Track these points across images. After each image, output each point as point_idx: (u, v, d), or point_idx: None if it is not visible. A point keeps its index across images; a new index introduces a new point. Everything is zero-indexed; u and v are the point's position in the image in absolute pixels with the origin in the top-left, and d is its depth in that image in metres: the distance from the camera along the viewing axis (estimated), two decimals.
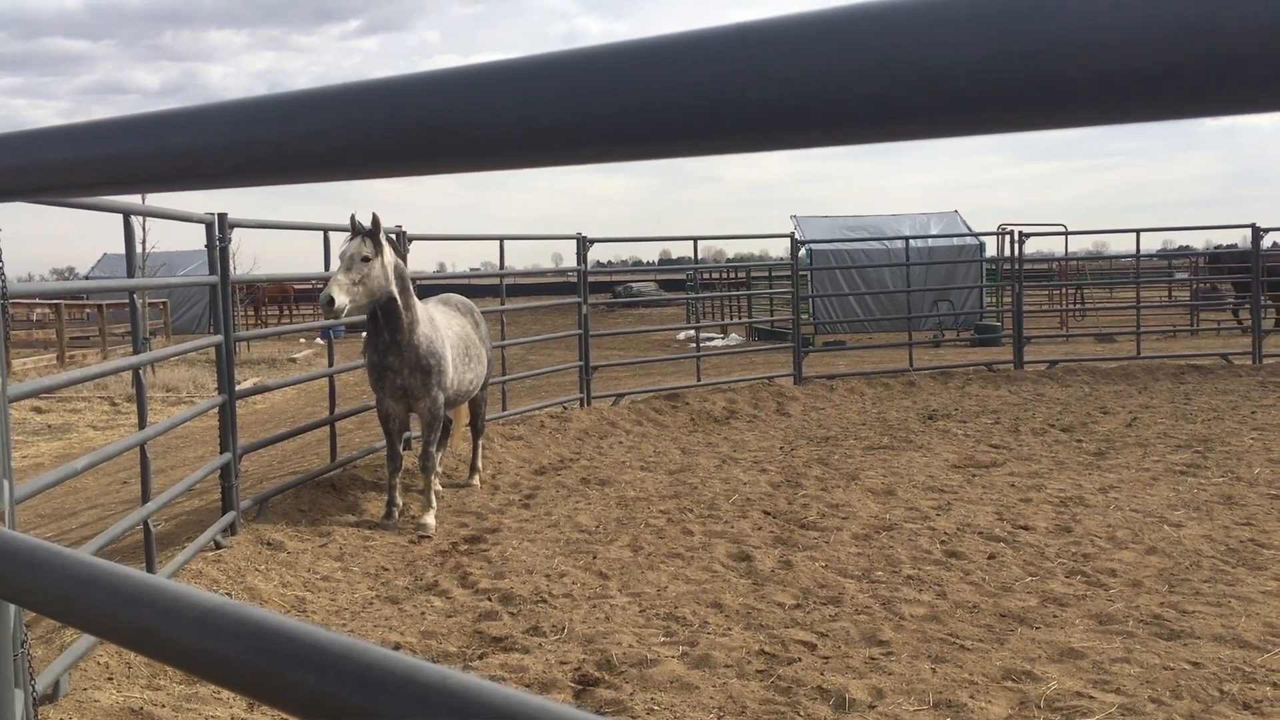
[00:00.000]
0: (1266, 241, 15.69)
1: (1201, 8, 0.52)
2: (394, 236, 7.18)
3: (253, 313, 34.53)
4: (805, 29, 0.65)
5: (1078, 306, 24.35)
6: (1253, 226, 15.33)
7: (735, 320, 26.46)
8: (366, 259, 6.79)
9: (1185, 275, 27.37)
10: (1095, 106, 0.58)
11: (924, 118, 0.62)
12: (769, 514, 7.39)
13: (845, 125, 0.65)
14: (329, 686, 0.94)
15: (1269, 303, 21.64)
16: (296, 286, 34.59)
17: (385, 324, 7.12)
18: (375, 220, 6.90)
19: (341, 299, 6.57)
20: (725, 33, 0.68)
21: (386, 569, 6.36)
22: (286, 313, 36.14)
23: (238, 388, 6.89)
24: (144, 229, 18.89)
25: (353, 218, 6.98)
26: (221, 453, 6.68)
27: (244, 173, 1.00)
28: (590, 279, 12.17)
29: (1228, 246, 24.77)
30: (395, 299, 7.03)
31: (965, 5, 0.59)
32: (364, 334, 7.60)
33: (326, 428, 8.44)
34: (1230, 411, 11.21)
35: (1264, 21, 0.50)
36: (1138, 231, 16.06)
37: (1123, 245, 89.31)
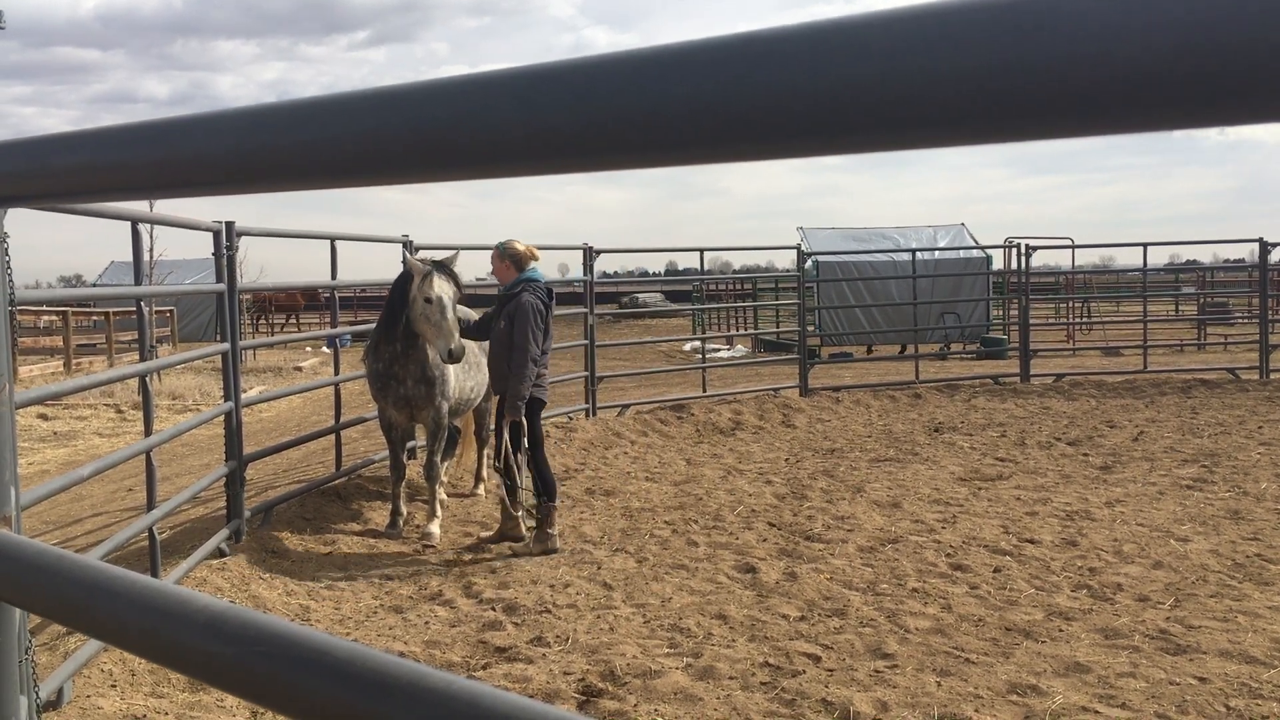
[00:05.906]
0: (1275, 255, 15.64)
1: (1218, 17, 0.52)
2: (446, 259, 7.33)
3: (263, 320, 34.39)
4: (811, 38, 0.65)
5: (1084, 320, 24.33)
6: (1260, 240, 15.30)
7: (741, 331, 26.45)
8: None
9: (1192, 290, 27.33)
10: (1101, 115, 0.58)
11: (927, 126, 0.63)
12: (774, 526, 7.38)
13: (848, 134, 0.66)
14: (336, 692, 0.94)
15: None
16: (305, 297, 34.23)
17: (404, 336, 7.14)
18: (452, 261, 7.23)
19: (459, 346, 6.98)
20: (730, 41, 0.69)
21: (391, 578, 6.35)
22: (293, 321, 35.92)
23: (243, 396, 6.89)
24: (151, 237, 18.97)
25: (446, 262, 7.18)
26: (227, 461, 6.68)
27: (252, 179, 1.01)
28: (596, 289, 12.17)
29: (1235, 261, 24.70)
30: None
31: (969, 13, 0.59)
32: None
33: (332, 436, 8.45)
34: (1237, 426, 11.18)
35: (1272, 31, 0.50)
36: (1144, 245, 16.00)
37: (1129, 259, 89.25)
